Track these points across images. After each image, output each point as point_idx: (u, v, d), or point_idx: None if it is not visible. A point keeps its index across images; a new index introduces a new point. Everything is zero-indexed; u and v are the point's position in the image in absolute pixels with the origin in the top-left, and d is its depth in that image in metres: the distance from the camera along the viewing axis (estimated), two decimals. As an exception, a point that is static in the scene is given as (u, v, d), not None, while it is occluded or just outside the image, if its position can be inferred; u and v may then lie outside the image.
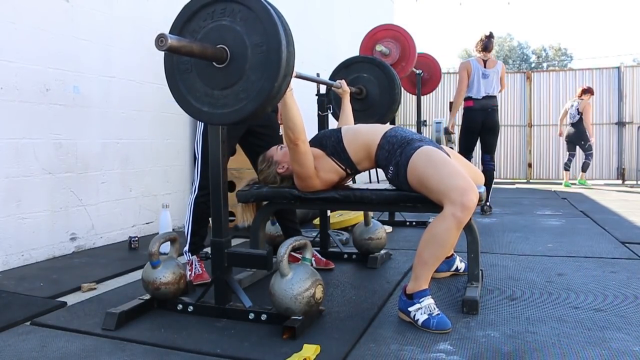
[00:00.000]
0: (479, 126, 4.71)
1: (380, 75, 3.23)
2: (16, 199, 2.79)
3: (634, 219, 4.41)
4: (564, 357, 1.58)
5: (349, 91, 2.88)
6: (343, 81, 2.86)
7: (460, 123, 5.02)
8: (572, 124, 7.49)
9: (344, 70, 3.26)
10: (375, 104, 3.22)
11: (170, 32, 1.64)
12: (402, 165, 2.02)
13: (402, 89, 5.36)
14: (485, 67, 4.73)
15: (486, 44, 4.75)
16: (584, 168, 7.70)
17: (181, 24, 1.68)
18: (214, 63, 1.63)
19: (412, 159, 2.00)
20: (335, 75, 3.21)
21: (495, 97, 4.75)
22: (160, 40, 1.40)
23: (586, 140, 7.45)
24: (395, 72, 3.32)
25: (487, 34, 4.77)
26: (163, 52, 1.77)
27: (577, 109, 7.43)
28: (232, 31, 1.61)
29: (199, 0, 1.67)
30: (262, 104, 1.60)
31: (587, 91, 7.44)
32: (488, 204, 4.85)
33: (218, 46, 1.61)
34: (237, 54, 1.61)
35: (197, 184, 2.47)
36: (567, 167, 7.77)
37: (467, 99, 4.76)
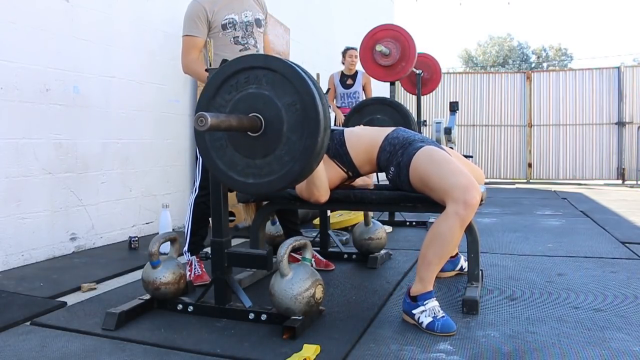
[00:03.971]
0: None
1: (393, 113, 3.24)
2: (16, 199, 2.78)
3: (634, 219, 4.41)
4: (564, 357, 1.58)
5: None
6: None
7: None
8: None
9: (356, 115, 3.25)
10: None
11: (196, 112, 1.53)
12: (404, 165, 2.02)
13: (404, 90, 5.45)
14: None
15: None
16: None
17: (206, 102, 1.60)
18: (249, 133, 1.55)
19: (414, 158, 2.00)
20: (348, 121, 3.17)
21: None
22: (200, 121, 1.34)
23: None
24: (407, 110, 3.35)
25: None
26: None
27: None
28: (261, 97, 1.54)
29: (220, 74, 1.58)
30: (309, 162, 1.54)
31: None
32: None
33: (250, 115, 1.53)
34: (272, 118, 1.54)
35: (197, 183, 2.47)
36: None
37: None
